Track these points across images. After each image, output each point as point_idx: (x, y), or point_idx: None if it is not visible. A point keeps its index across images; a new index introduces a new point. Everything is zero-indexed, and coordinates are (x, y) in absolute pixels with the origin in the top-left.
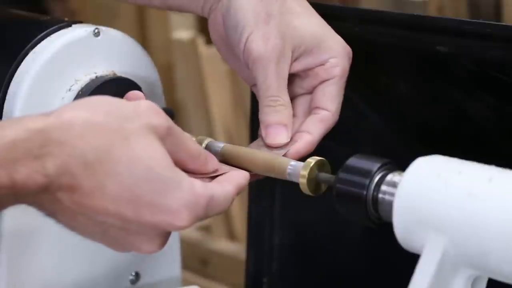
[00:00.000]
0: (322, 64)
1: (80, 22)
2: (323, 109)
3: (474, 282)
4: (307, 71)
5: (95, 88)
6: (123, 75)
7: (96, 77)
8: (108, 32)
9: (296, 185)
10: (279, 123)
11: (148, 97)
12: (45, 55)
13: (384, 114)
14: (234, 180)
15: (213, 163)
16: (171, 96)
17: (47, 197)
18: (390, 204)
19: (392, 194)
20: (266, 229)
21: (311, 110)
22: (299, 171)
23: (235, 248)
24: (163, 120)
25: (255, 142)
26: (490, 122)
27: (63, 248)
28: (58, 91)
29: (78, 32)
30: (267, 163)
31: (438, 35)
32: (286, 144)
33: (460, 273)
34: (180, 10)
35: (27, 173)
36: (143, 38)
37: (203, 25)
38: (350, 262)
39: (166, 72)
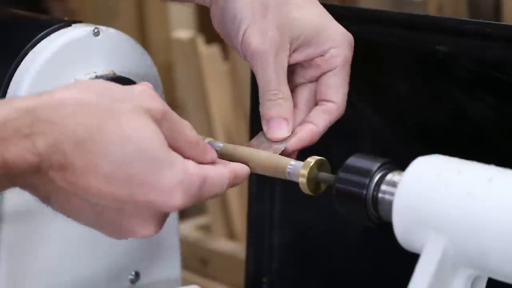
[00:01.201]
0: (322, 55)
1: (80, 21)
2: (328, 101)
3: (474, 281)
4: (308, 61)
5: None
6: (123, 75)
7: (96, 76)
8: (107, 32)
9: (296, 184)
10: (280, 116)
11: None
12: (45, 55)
13: (384, 114)
14: (230, 165)
15: (212, 153)
16: (171, 96)
17: (40, 177)
18: (390, 204)
19: (392, 194)
20: (266, 229)
21: (316, 102)
22: (299, 171)
23: (235, 248)
24: (158, 104)
25: (256, 137)
26: (490, 122)
27: (63, 247)
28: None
29: (78, 31)
30: (267, 163)
31: (438, 35)
32: (288, 138)
33: (460, 273)
34: (183, 0)
35: (18, 151)
36: (143, 38)
37: (203, 25)
38: (350, 262)
39: (166, 71)
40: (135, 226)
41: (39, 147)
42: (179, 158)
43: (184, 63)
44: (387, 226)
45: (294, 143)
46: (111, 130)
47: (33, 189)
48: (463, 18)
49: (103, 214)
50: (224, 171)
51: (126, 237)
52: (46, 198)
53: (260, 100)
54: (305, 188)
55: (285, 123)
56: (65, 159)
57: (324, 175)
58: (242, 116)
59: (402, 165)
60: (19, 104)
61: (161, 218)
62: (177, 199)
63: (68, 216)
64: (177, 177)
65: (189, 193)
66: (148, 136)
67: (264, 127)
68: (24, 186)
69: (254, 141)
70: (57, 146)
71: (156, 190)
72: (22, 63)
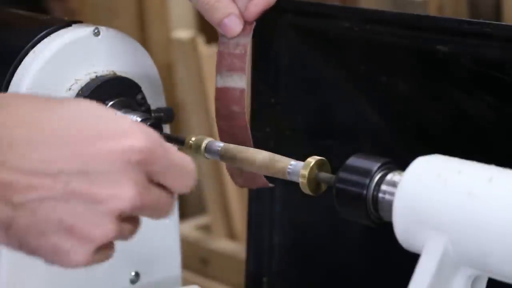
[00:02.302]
0: None
1: (80, 21)
2: None
3: (474, 281)
4: None
5: (95, 87)
6: (123, 75)
7: (96, 76)
8: (108, 32)
9: (296, 184)
10: (225, 15)
11: (149, 96)
12: (45, 55)
13: (384, 114)
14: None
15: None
16: (171, 96)
17: None
18: (390, 204)
19: (392, 194)
20: (266, 229)
21: None
22: (299, 171)
23: (235, 248)
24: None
25: (220, 44)
26: (490, 122)
27: None
28: (58, 90)
29: (78, 31)
30: (267, 163)
31: (438, 35)
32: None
33: (460, 273)
34: None
35: None
36: (143, 38)
37: (203, 25)
38: (350, 262)
39: (166, 71)
40: (110, 193)
41: None
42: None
43: (184, 63)
44: (387, 226)
45: (253, 11)
46: (57, 104)
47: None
48: (463, 18)
49: (73, 189)
50: (184, 154)
51: (105, 213)
52: (5, 206)
53: (201, 11)
54: (305, 188)
55: (233, 17)
56: (11, 134)
57: (324, 175)
58: None
59: (402, 165)
60: None
61: (134, 177)
62: (141, 139)
63: (33, 236)
64: (132, 121)
65: (150, 136)
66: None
67: (220, 31)
68: None
69: (221, 48)
70: (4, 127)
71: (115, 135)
72: (22, 63)
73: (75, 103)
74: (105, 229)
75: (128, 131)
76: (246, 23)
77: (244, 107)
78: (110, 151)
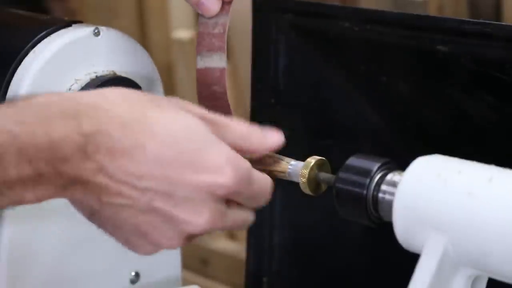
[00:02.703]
0: None
1: (80, 21)
2: None
3: (475, 281)
4: None
5: (95, 87)
6: (123, 75)
7: (96, 76)
8: (108, 32)
9: (296, 185)
10: None
11: None
12: (45, 55)
13: (384, 114)
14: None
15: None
16: (171, 96)
17: (87, 163)
18: (390, 204)
19: (392, 194)
20: (266, 229)
21: None
22: (299, 171)
23: (235, 248)
24: (197, 108)
25: (199, 25)
26: (490, 122)
27: (63, 247)
28: (58, 91)
29: (78, 31)
30: (267, 163)
31: (438, 35)
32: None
33: (460, 273)
34: None
35: (64, 131)
36: (143, 38)
37: None
38: (350, 262)
39: (166, 71)
40: (188, 216)
41: (85, 129)
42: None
43: (184, 63)
44: (387, 226)
45: None
46: (156, 115)
47: (81, 190)
48: (463, 18)
49: (154, 205)
50: (266, 176)
51: (177, 238)
52: (94, 200)
53: None
54: (305, 188)
55: None
56: (112, 141)
57: (325, 175)
58: (242, 116)
59: (402, 165)
60: (59, 93)
61: (214, 205)
62: (227, 175)
63: (118, 217)
64: (226, 153)
65: (239, 172)
66: (194, 121)
67: (199, 12)
68: (70, 185)
69: (200, 29)
70: (103, 128)
71: (204, 167)
72: (22, 63)
73: (182, 119)
74: (173, 242)
75: (220, 168)
76: (224, 2)
77: (225, 87)
78: (199, 182)
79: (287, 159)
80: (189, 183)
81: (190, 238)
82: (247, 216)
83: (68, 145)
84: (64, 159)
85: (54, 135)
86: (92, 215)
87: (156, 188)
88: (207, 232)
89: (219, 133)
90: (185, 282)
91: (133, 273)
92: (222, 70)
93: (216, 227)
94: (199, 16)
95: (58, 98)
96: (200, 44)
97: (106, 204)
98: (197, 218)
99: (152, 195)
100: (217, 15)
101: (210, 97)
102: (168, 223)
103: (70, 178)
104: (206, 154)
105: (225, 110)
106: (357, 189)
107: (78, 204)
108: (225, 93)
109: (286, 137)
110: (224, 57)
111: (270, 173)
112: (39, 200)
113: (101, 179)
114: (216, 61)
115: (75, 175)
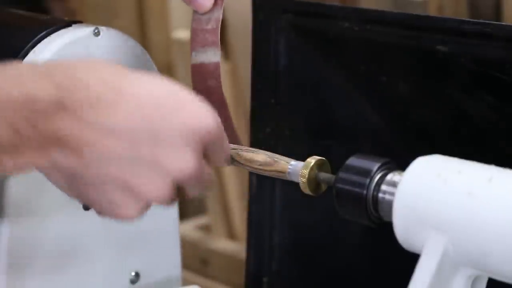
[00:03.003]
0: None
1: (80, 21)
2: None
3: (475, 281)
4: None
5: None
6: None
7: None
8: (108, 32)
9: (296, 185)
10: None
11: None
12: (45, 55)
13: (384, 114)
14: None
15: None
16: None
17: (66, 116)
18: (390, 204)
19: (392, 194)
20: (266, 229)
21: None
22: (299, 171)
23: (235, 248)
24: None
25: (193, 21)
26: (490, 122)
27: (63, 248)
28: None
29: (78, 31)
30: (267, 163)
31: (438, 35)
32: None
33: (460, 273)
34: None
35: (37, 85)
36: (143, 38)
37: None
38: (350, 262)
39: (166, 71)
40: (172, 157)
41: (59, 82)
42: None
43: (184, 63)
44: (387, 226)
45: None
46: (136, 76)
47: (61, 150)
48: (463, 18)
49: (140, 149)
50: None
51: (161, 180)
52: (75, 160)
53: None
54: (305, 188)
55: None
56: (92, 93)
57: (324, 175)
58: (242, 116)
59: (402, 165)
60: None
61: (196, 149)
62: (211, 120)
63: (102, 165)
64: (205, 105)
65: (219, 122)
66: (173, 83)
67: (193, 8)
68: (50, 145)
69: (194, 25)
70: (80, 80)
71: (188, 111)
72: None
73: (163, 80)
74: (160, 192)
75: (204, 113)
76: None
77: (220, 81)
78: (183, 126)
79: (287, 159)
80: (174, 127)
81: (177, 190)
82: (210, 171)
83: (44, 98)
84: (41, 112)
85: (29, 91)
86: (72, 182)
87: (141, 136)
88: (191, 178)
89: None
90: (185, 282)
91: (133, 273)
92: (216, 64)
93: (197, 175)
94: (193, 12)
95: (29, 65)
96: (194, 40)
97: (88, 160)
98: (182, 162)
99: (137, 143)
100: (210, 11)
101: (206, 92)
102: (154, 170)
103: (49, 135)
104: (189, 103)
105: (220, 103)
106: (357, 189)
107: (56, 173)
108: (220, 87)
109: (286, 137)
110: (218, 51)
111: (270, 173)
112: (19, 169)
113: (82, 132)
114: (210, 56)
115: (53, 130)
